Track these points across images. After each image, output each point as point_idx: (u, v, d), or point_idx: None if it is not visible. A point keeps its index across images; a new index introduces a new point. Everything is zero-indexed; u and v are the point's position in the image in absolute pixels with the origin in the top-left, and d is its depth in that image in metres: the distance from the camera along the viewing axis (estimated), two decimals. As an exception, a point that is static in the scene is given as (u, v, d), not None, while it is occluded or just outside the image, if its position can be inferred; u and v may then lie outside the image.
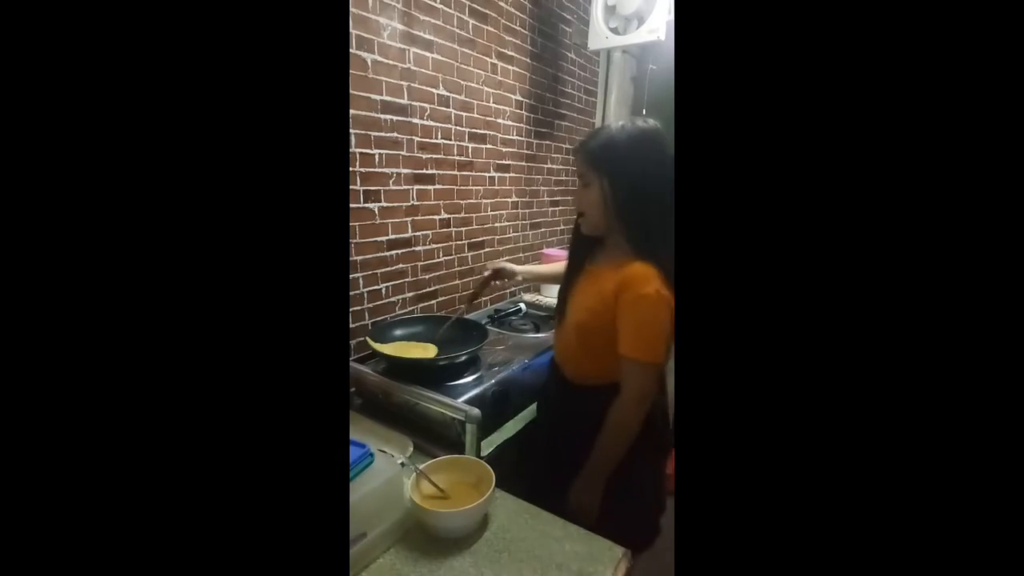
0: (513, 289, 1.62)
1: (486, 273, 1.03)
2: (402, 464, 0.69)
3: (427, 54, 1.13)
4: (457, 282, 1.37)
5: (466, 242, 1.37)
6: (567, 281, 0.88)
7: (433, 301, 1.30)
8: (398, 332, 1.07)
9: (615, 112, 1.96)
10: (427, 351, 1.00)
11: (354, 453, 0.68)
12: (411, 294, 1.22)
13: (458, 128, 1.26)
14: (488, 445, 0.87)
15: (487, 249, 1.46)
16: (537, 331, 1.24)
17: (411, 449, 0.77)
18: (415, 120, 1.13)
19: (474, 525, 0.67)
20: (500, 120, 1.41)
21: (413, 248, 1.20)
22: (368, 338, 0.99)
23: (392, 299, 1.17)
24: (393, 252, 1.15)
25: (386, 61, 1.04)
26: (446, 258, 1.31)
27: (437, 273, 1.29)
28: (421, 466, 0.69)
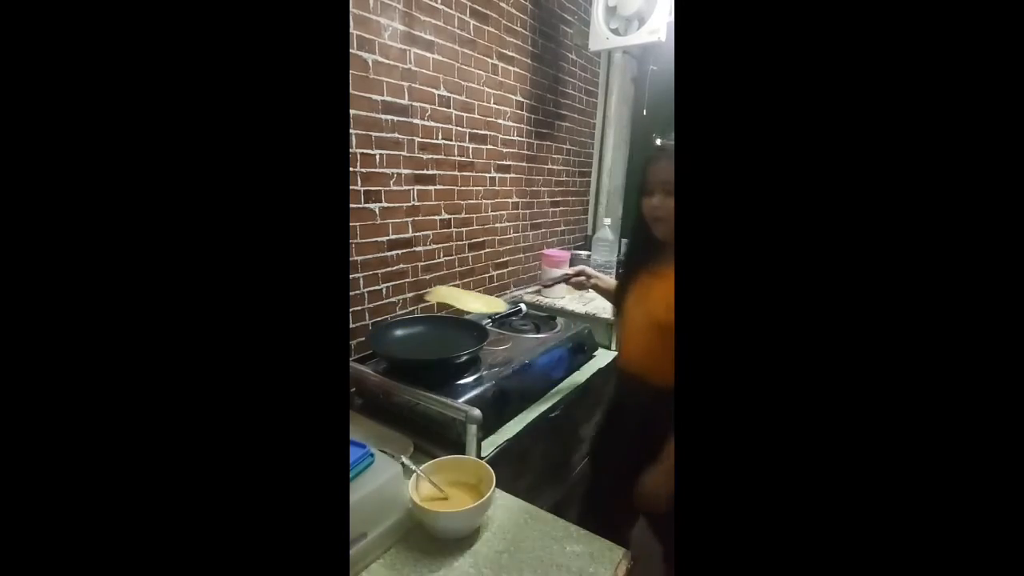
0: (516, 292, 1.62)
1: (571, 270, 1.09)
2: (402, 464, 0.69)
3: (428, 55, 1.13)
4: (458, 282, 1.37)
5: (466, 242, 1.37)
6: (625, 289, 0.91)
7: (433, 302, 1.30)
8: (398, 332, 1.07)
9: (616, 113, 1.96)
10: (491, 305, 1.05)
11: (354, 453, 0.68)
12: (411, 294, 1.22)
13: (459, 129, 1.26)
14: (489, 445, 0.87)
15: (487, 249, 1.46)
16: (538, 331, 1.24)
17: (411, 449, 0.77)
18: (416, 120, 1.13)
19: (474, 526, 0.67)
20: (501, 121, 1.41)
21: (414, 248, 1.20)
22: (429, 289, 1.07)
23: (392, 299, 1.17)
24: (394, 252, 1.15)
25: (387, 62, 1.04)
26: (447, 258, 1.31)
27: (438, 273, 1.29)
28: (421, 467, 0.69)
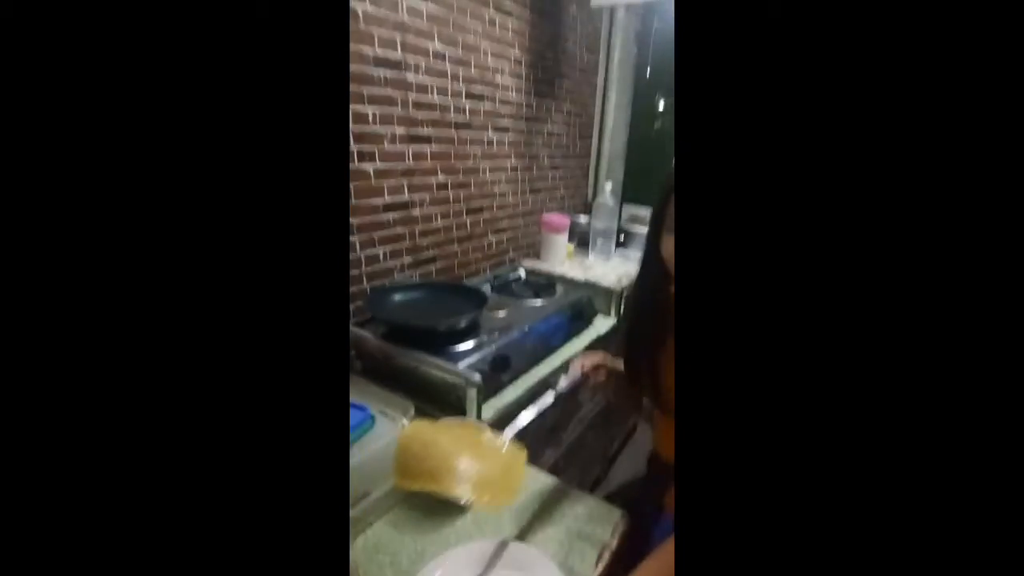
0: (513, 256, 1.60)
1: (587, 364, 0.76)
2: (403, 427, 0.69)
3: (421, 4, 1.07)
4: (455, 248, 1.35)
5: (464, 206, 1.34)
6: (652, 367, 0.67)
7: (432, 267, 1.28)
8: (397, 297, 1.06)
9: (618, 73, 1.89)
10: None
11: (354, 417, 0.68)
12: (409, 259, 1.20)
13: (454, 85, 1.21)
14: (488, 409, 0.87)
15: (486, 215, 1.43)
16: (537, 297, 1.23)
17: (412, 412, 0.77)
18: (409, 76, 1.08)
19: (475, 486, 0.67)
20: (498, 77, 1.35)
21: (410, 212, 1.17)
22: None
23: (390, 264, 1.15)
24: (390, 215, 1.12)
25: (378, 12, 0.98)
26: (444, 223, 1.28)
27: (435, 238, 1.27)
28: (422, 429, 0.69)
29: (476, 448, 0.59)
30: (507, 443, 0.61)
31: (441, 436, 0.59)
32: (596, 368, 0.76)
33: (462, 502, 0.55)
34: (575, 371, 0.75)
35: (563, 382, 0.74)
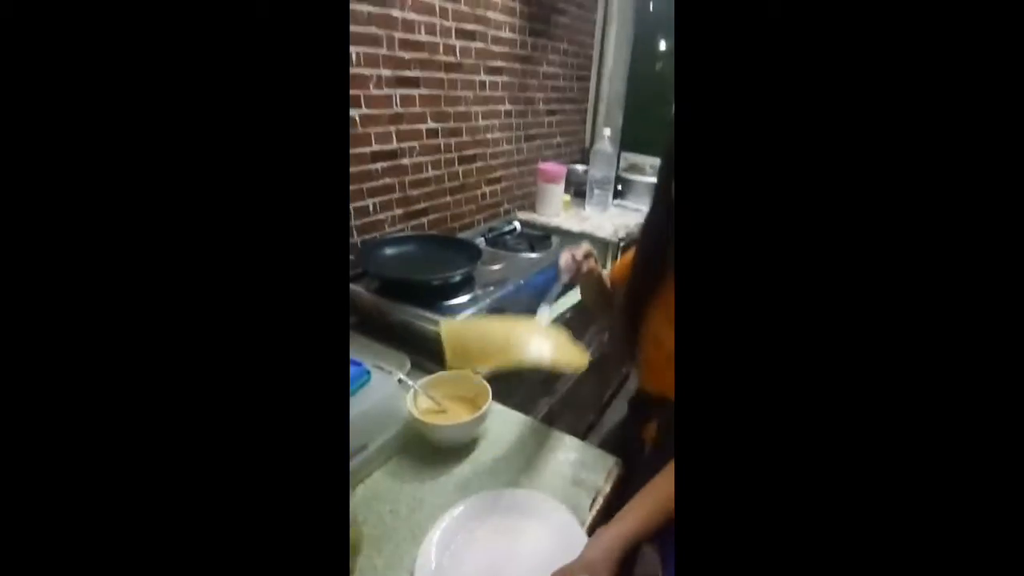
0: (507, 207, 1.56)
1: (578, 253, 0.74)
2: (400, 381, 0.70)
3: (404, -74, 0.97)
4: (448, 199, 1.31)
5: (456, 155, 1.29)
6: (645, 299, 0.71)
7: (424, 219, 1.25)
8: (389, 251, 1.04)
9: (619, 8, 1.77)
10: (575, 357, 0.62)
11: (350, 371, 0.68)
12: (400, 211, 1.17)
13: (443, 23, 1.12)
14: (484, 362, 0.88)
15: (479, 163, 1.38)
16: (532, 250, 1.21)
17: (408, 366, 0.77)
18: (394, 12, 1.00)
19: (472, 436, 0.69)
20: (491, 13, 1.25)
21: (399, 161, 1.12)
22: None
23: (381, 216, 1.12)
24: (378, 165, 1.07)
25: (357, -66, 0.89)
26: (435, 173, 1.24)
27: (426, 189, 1.23)
28: (419, 382, 0.70)
29: (526, 325, 0.60)
30: (547, 322, 0.62)
31: (487, 322, 0.59)
32: (587, 255, 0.75)
33: (543, 365, 0.56)
34: (567, 261, 0.73)
35: (564, 276, 0.74)
